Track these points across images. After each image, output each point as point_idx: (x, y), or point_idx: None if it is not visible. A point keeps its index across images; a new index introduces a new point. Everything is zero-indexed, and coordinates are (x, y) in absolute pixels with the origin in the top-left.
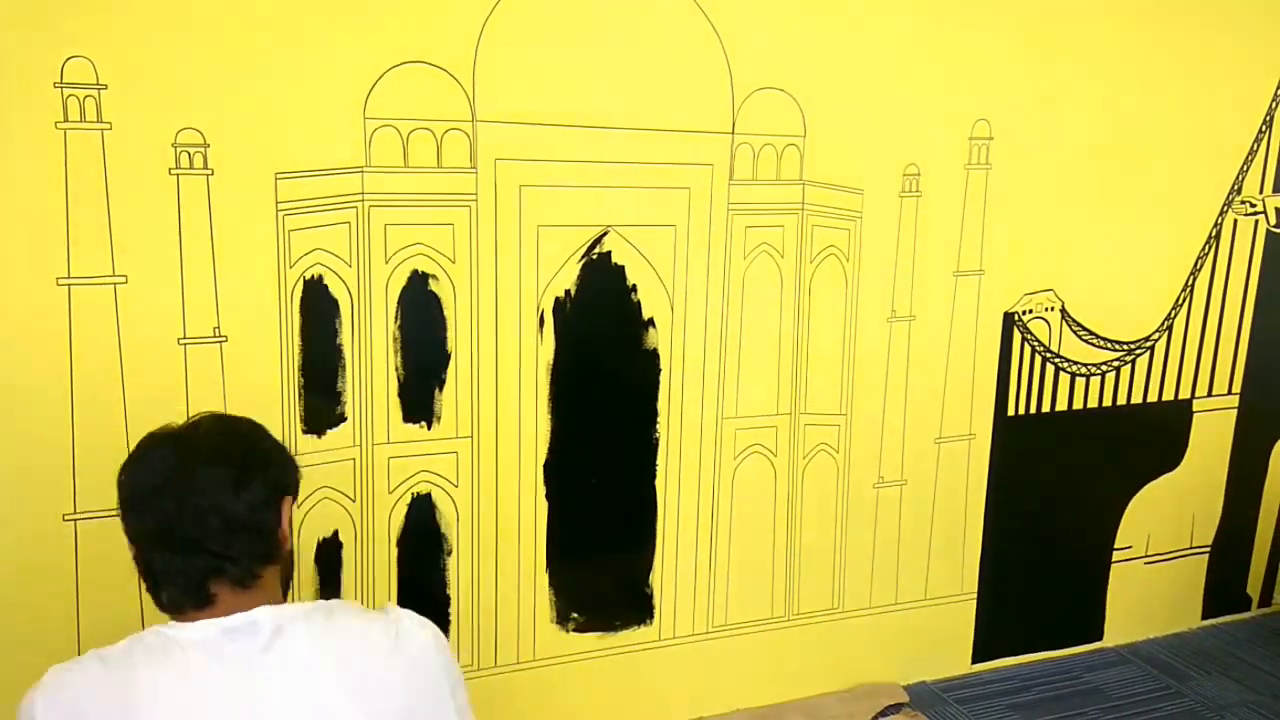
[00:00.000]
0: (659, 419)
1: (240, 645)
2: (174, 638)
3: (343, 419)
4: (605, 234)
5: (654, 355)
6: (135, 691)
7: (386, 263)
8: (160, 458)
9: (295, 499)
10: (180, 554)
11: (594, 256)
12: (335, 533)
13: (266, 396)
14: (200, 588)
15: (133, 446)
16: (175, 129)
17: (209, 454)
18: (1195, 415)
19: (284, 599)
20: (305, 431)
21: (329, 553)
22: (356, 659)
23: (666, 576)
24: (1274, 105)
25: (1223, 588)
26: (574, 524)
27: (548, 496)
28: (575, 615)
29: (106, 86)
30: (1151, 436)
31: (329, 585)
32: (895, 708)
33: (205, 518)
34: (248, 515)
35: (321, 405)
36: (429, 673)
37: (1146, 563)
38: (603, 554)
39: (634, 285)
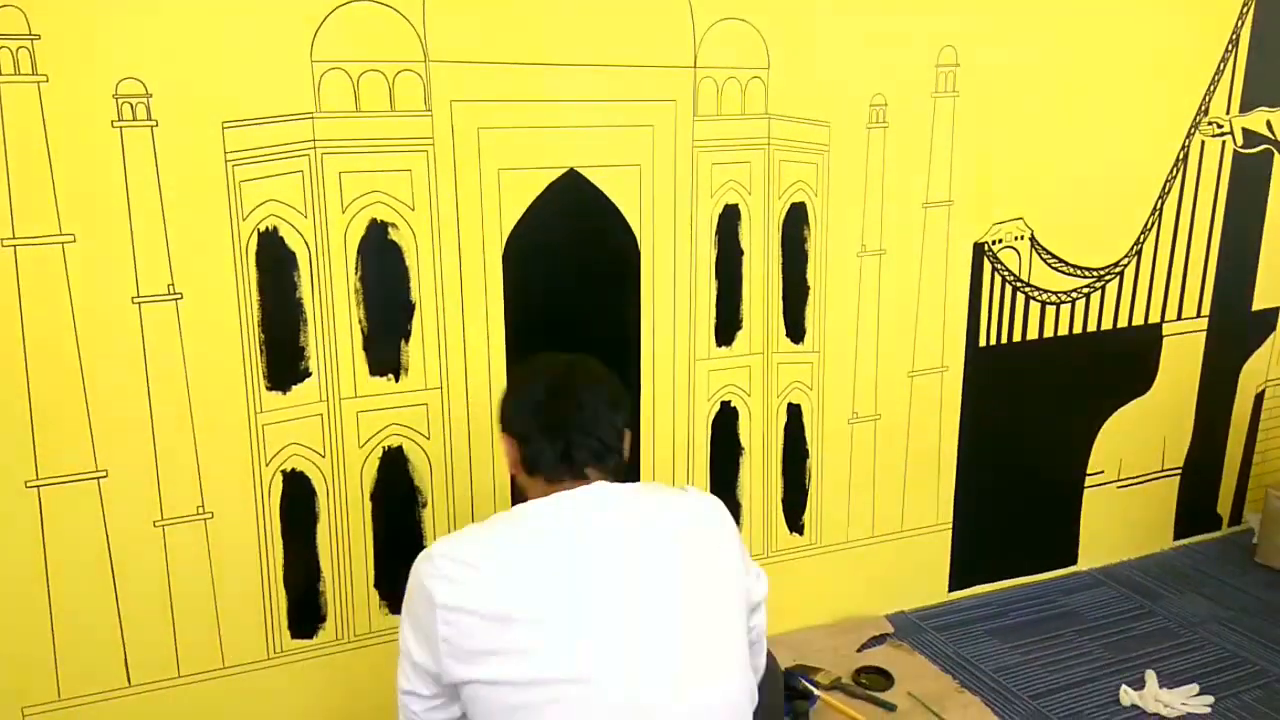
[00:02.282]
0: (631, 362)
1: (584, 510)
2: (536, 508)
3: (307, 374)
4: (568, 174)
5: (624, 295)
6: (510, 544)
7: (343, 212)
8: (562, 378)
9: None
10: (580, 438)
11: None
12: (306, 489)
13: (226, 353)
14: (582, 465)
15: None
16: (115, 79)
17: (596, 377)
18: (1165, 339)
19: None
20: (269, 388)
21: (301, 509)
22: (664, 506)
23: None
24: (1239, 25)
25: (1193, 508)
26: None
27: None
28: None
29: (40, 36)
30: (1122, 362)
31: (301, 540)
32: (880, 638)
33: (599, 419)
34: (620, 426)
35: (284, 361)
36: (714, 518)
37: (1119, 487)
38: None
39: (602, 226)
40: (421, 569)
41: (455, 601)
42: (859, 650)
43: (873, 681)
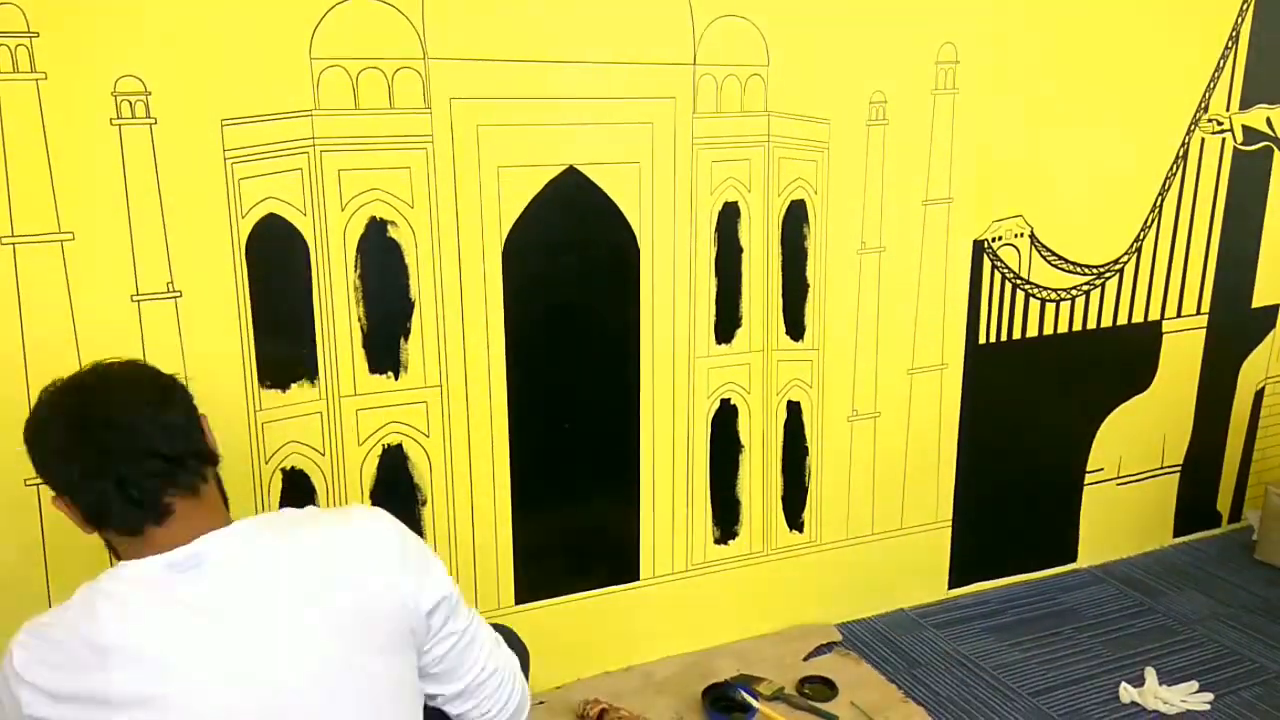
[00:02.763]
0: (630, 360)
1: (186, 578)
2: (124, 577)
3: (306, 372)
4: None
5: (623, 293)
6: (100, 631)
7: (342, 210)
8: (77, 399)
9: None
10: (130, 464)
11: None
12: (306, 487)
13: (225, 351)
14: (156, 499)
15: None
16: (114, 77)
17: (125, 383)
18: (1165, 336)
19: (227, 513)
20: (268, 386)
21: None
22: (304, 561)
23: (645, 518)
24: (1239, 22)
25: (1193, 506)
26: (548, 469)
27: (520, 442)
28: (552, 560)
29: (38, 34)
30: (1122, 359)
31: None
32: (827, 647)
33: (145, 428)
34: (180, 423)
35: (283, 359)
36: (373, 543)
37: (1118, 484)
38: (578, 499)
39: (602, 224)
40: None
41: (43, 714)
42: (805, 659)
43: (816, 692)
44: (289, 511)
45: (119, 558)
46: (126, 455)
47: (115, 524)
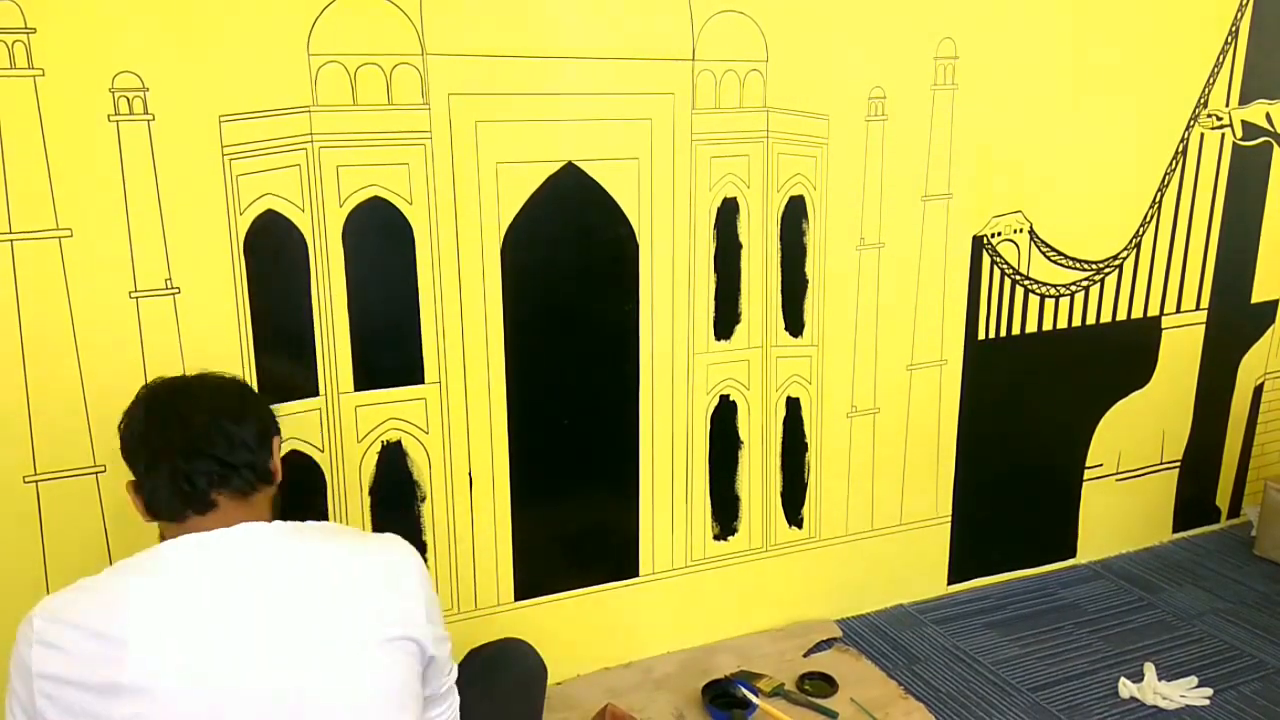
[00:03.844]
0: (629, 356)
1: (215, 556)
2: (159, 551)
3: (305, 369)
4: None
5: (622, 289)
6: (122, 599)
7: (341, 206)
8: (165, 397)
9: (281, 440)
10: (188, 460)
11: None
12: (305, 484)
13: (224, 348)
14: (204, 492)
15: (132, 399)
16: (112, 73)
17: (211, 391)
18: (1164, 332)
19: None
20: (268, 383)
21: (304, 503)
22: (330, 568)
23: (644, 514)
24: (1239, 16)
25: (1192, 501)
26: (548, 465)
27: (519, 438)
28: (552, 557)
29: (35, 30)
30: (1121, 355)
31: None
32: (827, 643)
33: (211, 433)
34: (248, 438)
35: (282, 355)
36: (401, 584)
37: (1118, 479)
38: (577, 495)
39: (601, 220)
40: (20, 633)
41: (53, 670)
42: (805, 655)
43: (816, 688)
44: (329, 524)
45: None
46: (187, 453)
47: (164, 514)
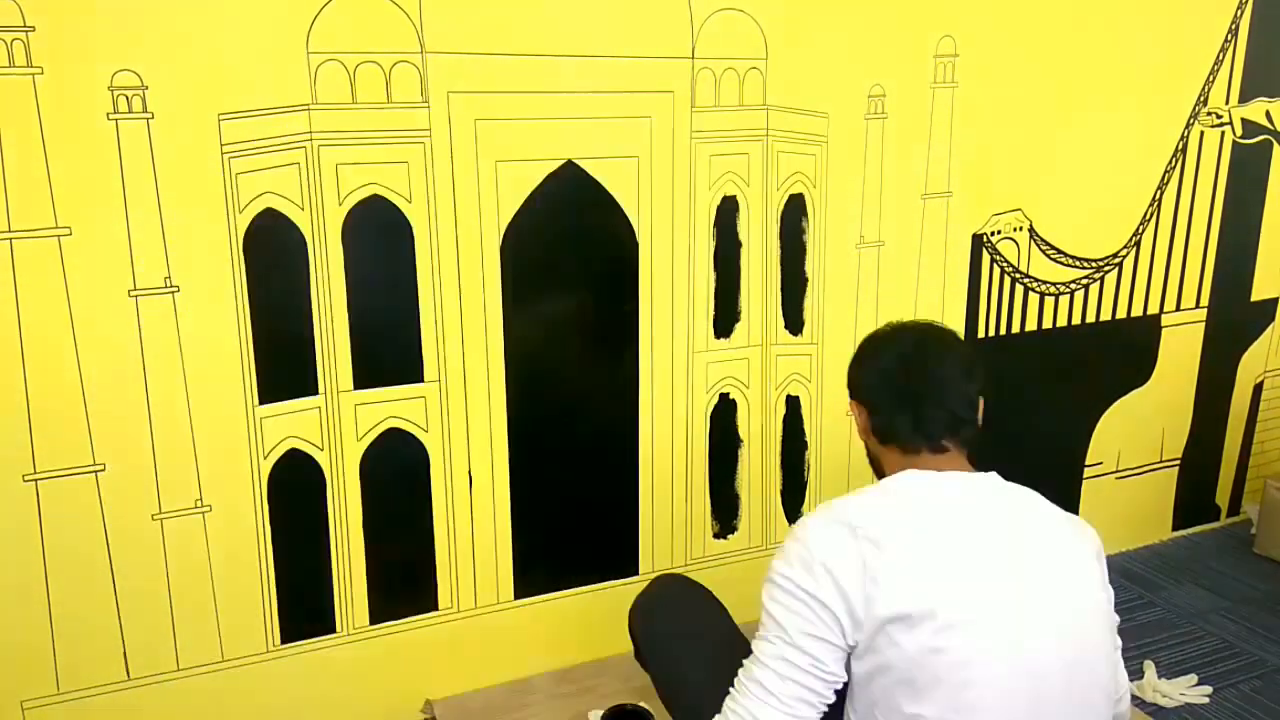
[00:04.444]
0: (629, 354)
1: (985, 492)
2: (935, 478)
3: (305, 366)
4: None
5: (622, 287)
6: (913, 509)
7: (340, 204)
8: (909, 342)
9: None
10: (932, 410)
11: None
12: (305, 482)
13: (223, 346)
14: (939, 439)
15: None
16: (110, 71)
17: (946, 347)
18: (1164, 330)
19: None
20: (267, 381)
21: (302, 503)
22: (1042, 508)
23: (644, 512)
24: (1239, 14)
25: (1192, 499)
26: (547, 463)
27: (519, 437)
28: (551, 555)
29: (34, 28)
30: (1121, 353)
31: (308, 528)
32: None
33: (948, 390)
34: (974, 394)
35: (282, 353)
36: (1098, 554)
37: (1117, 478)
38: (577, 494)
39: (600, 218)
40: (837, 533)
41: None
42: None
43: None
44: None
45: (882, 471)
46: (931, 403)
47: (900, 443)
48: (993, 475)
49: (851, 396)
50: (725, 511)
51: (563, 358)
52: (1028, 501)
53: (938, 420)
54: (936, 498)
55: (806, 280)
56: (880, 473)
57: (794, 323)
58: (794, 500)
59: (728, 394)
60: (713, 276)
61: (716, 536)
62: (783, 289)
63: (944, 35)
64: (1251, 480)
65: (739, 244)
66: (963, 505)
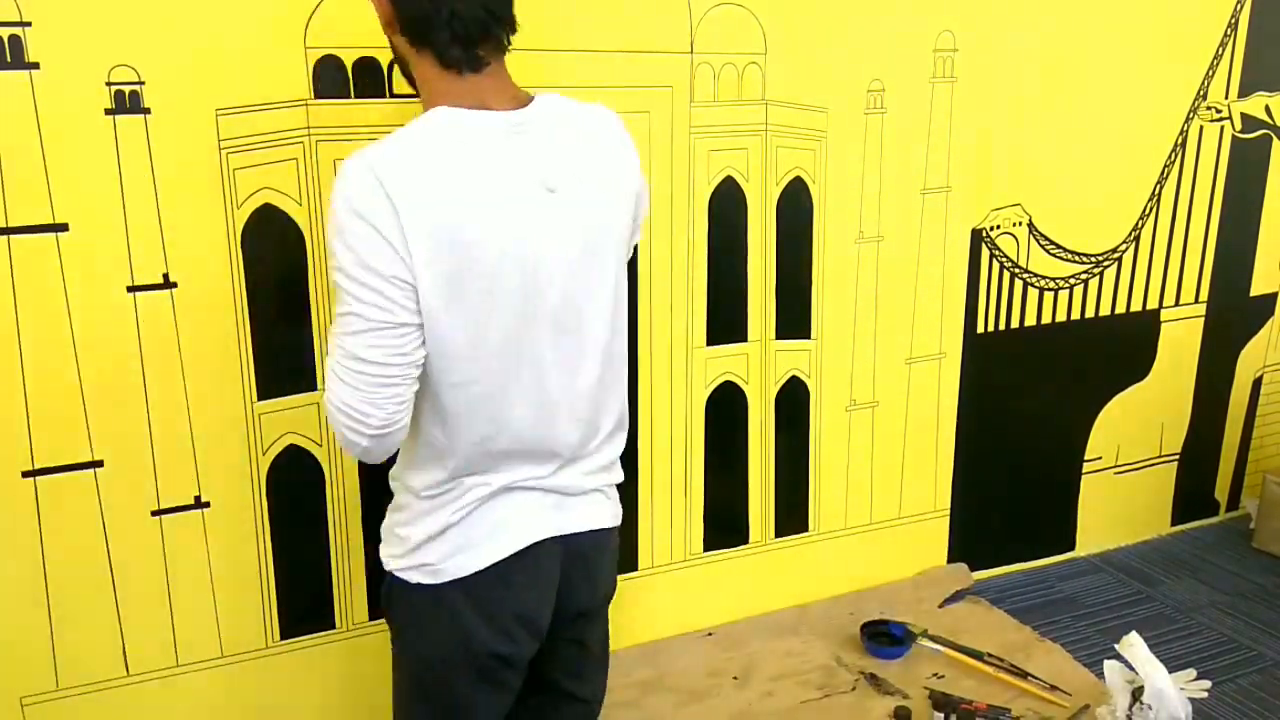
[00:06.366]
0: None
1: (522, 137)
2: (464, 122)
3: (304, 364)
4: None
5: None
6: (436, 154)
7: None
8: None
9: None
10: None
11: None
12: (304, 478)
13: (222, 343)
14: (474, 41)
15: None
16: (108, 67)
17: None
18: (1163, 325)
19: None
20: (266, 377)
21: (301, 499)
22: (599, 146)
23: (643, 509)
24: (1238, 9)
25: (1191, 494)
26: None
27: None
28: None
29: (31, 24)
30: (1120, 348)
31: (308, 524)
32: (960, 594)
33: None
34: None
35: (280, 349)
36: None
37: (1117, 472)
38: None
39: None
40: (368, 182)
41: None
42: (940, 607)
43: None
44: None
45: (429, 102)
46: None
47: (436, 48)
48: (542, 103)
49: None
50: (724, 507)
51: None
52: (573, 137)
53: (471, 14)
54: (473, 155)
55: (806, 276)
56: (413, 83)
57: (793, 318)
58: (793, 496)
59: (726, 390)
60: (711, 272)
61: (716, 533)
62: (782, 284)
63: (943, 30)
64: (1250, 475)
65: (737, 239)
66: (500, 162)
